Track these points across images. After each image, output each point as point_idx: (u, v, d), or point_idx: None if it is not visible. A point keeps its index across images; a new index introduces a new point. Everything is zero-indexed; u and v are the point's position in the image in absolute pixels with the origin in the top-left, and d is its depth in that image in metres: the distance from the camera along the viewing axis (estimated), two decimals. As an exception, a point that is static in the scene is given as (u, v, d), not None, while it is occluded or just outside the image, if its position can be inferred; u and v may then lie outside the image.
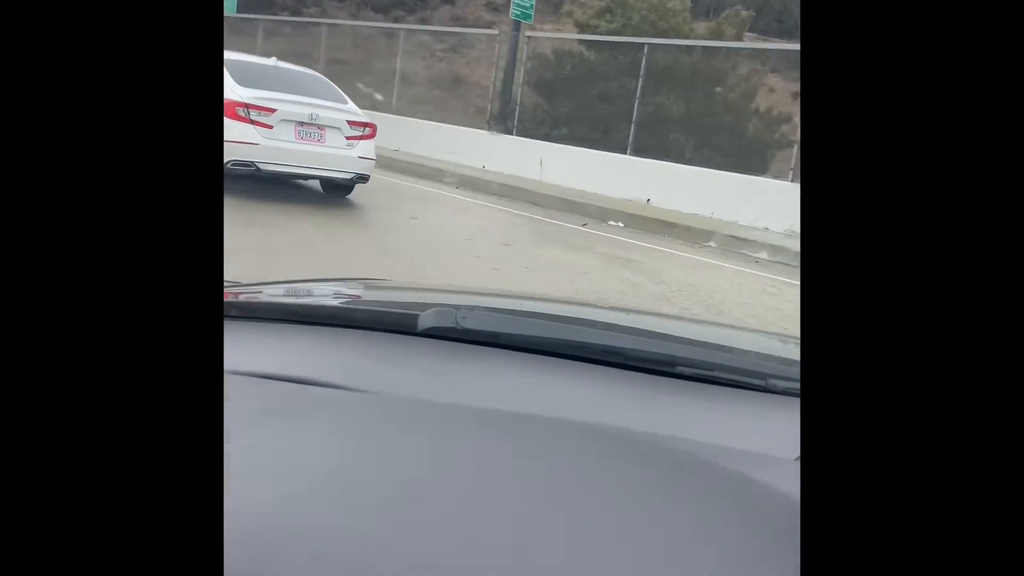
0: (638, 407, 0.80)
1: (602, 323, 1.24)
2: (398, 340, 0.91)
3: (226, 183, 1.58)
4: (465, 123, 11.98)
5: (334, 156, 6.42)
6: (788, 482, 0.59)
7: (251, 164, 6.01)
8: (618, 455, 0.63)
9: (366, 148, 6.66)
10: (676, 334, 1.24)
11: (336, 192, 7.04)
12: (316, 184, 7.13)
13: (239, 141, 5.88)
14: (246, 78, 6.28)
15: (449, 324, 0.90)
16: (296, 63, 7.49)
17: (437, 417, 0.67)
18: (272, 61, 7.05)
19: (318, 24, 14.43)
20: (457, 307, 0.93)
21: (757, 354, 1.16)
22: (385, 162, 10.70)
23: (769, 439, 0.73)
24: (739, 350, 1.17)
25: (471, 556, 0.46)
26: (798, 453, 0.56)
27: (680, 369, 0.88)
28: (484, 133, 11.30)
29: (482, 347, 0.90)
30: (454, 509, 0.50)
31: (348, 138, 6.51)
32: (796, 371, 0.82)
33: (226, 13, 15.70)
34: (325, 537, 0.46)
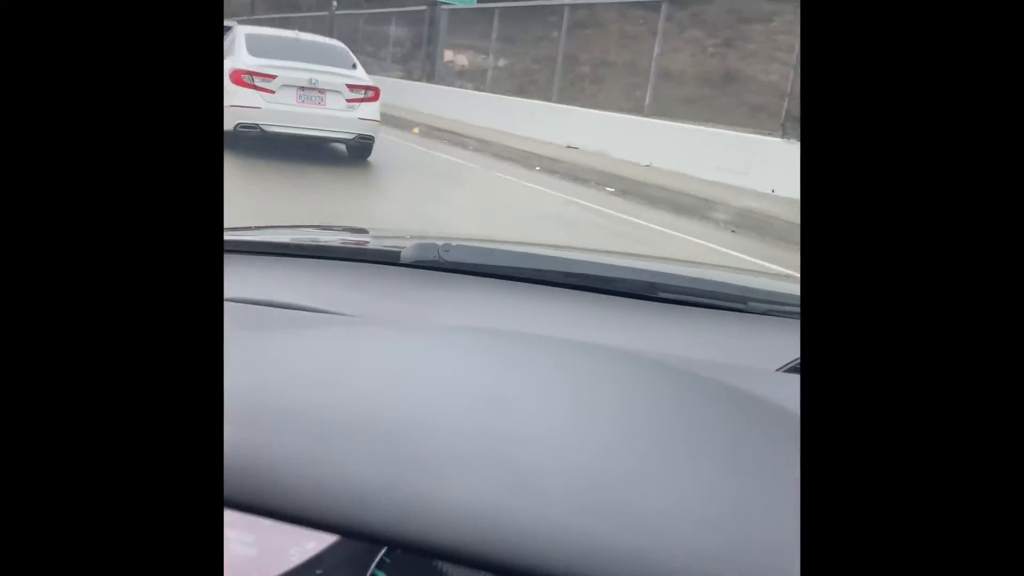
0: (622, 327, 0.83)
1: (585, 260, 1.19)
2: (382, 271, 0.95)
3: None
4: (740, 126, 8.40)
5: (335, 118, 6.76)
6: (771, 390, 0.64)
7: (255, 126, 6.52)
8: (606, 366, 0.63)
9: (368, 110, 6.94)
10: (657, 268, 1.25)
11: (359, 154, 7.29)
12: (343, 148, 7.39)
13: (243, 105, 6.40)
14: (258, 49, 6.81)
15: (432, 256, 0.93)
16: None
17: (424, 334, 0.68)
18: (294, 33, 7.57)
19: (555, 9, 11.65)
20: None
21: (733, 283, 1.11)
22: (629, 185, 7.52)
23: (750, 353, 0.78)
24: (716, 280, 1.12)
25: (457, 446, 0.47)
26: (778, 365, 0.71)
27: (661, 294, 0.91)
28: (777, 141, 7.65)
29: (466, 275, 0.92)
30: (445, 406, 0.52)
31: (349, 100, 6.83)
32: (772, 294, 0.97)
33: (463, 4, 13.76)
34: (314, 422, 0.49)
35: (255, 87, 6.46)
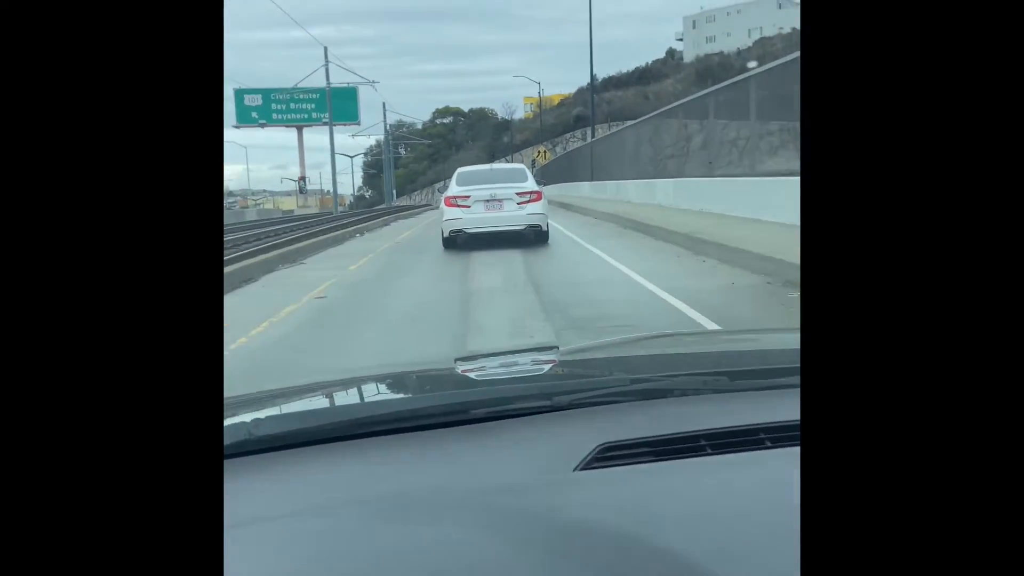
0: (444, 463, 0.78)
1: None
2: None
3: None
4: None
5: (510, 216, 10.63)
6: (565, 497, 0.65)
7: (460, 231, 10.67)
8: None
9: (533, 208, 10.69)
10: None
11: (538, 238, 10.78)
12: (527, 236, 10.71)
13: (452, 218, 10.69)
14: (464, 180, 11.16)
15: (242, 437, 0.83)
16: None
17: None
18: (488, 166, 13.05)
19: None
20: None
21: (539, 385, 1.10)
22: None
23: (551, 458, 0.74)
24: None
25: None
26: (576, 463, 0.71)
27: (472, 413, 0.87)
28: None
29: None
30: None
31: (519, 204, 10.67)
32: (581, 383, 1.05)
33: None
34: None
35: (458, 206, 10.60)
